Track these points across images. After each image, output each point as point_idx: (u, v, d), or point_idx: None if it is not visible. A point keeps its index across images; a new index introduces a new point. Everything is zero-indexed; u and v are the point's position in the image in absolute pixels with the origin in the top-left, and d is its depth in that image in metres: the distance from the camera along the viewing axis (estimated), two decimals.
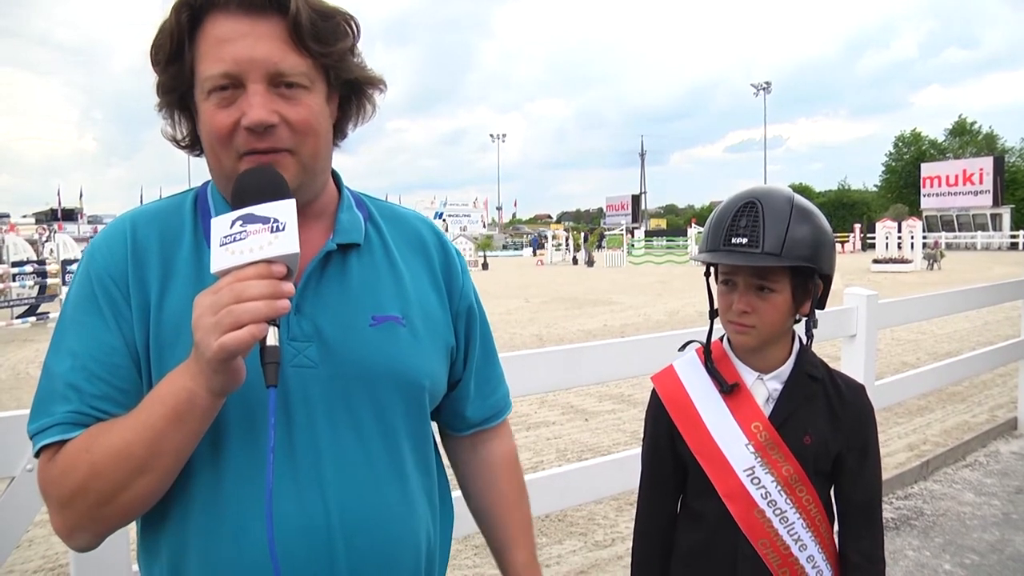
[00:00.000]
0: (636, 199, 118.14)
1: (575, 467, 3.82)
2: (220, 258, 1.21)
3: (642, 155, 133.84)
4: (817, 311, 2.02)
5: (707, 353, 2.08)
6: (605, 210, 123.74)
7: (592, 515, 5.77)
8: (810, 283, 1.94)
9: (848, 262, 44.22)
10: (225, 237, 1.21)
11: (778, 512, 1.95)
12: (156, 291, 1.36)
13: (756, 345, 1.97)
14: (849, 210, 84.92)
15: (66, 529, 1.29)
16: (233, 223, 1.22)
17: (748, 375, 2.02)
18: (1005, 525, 5.48)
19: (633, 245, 54.79)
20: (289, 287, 1.20)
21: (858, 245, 63.51)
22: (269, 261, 1.20)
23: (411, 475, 1.47)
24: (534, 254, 58.88)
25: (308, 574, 1.33)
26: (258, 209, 1.23)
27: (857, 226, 65.76)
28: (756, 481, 1.95)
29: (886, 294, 5.82)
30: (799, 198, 1.94)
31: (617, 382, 9.94)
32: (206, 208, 1.44)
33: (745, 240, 1.86)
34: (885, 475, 6.32)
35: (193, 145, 1.45)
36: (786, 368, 2.01)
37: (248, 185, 1.29)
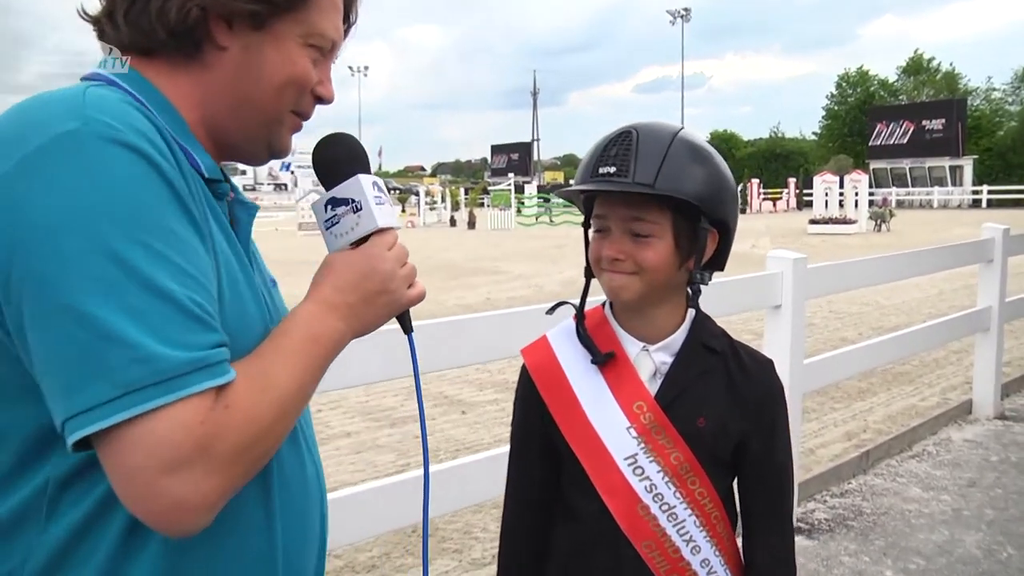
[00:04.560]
0: (527, 148, 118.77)
1: (445, 467, 3.81)
2: (331, 241, 1.55)
3: (534, 95, 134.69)
4: (718, 273, 2.06)
5: (580, 318, 2.09)
6: (490, 161, 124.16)
7: (469, 527, 5.81)
8: (698, 229, 1.95)
9: (780, 223, 45.44)
10: (327, 221, 1.55)
11: (665, 508, 1.97)
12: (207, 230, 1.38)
13: (636, 299, 1.97)
14: (783, 162, 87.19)
15: (220, 492, 1.25)
16: (326, 207, 1.55)
17: (632, 346, 2.03)
18: (955, 523, 5.74)
19: (523, 203, 55.06)
20: None
21: (793, 203, 65.40)
22: (363, 239, 1.52)
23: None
24: (403, 212, 58.66)
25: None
26: (336, 192, 1.56)
27: (792, 181, 67.76)
28: (639, 472, 1.97)
29: (824, 259, 5.99)
30: (691, 134, 1.97)
31: (501, 367, 10.02)
32: (193, 159, 1.43)
33: (613, 169, 1.89)
34: (819, 469, 6.54)
35: (179, 37, 1.45)
36: (678, 337, 2.03)
37: (338, 155, 1.59)
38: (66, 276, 1.16)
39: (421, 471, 3.69)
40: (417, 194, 63.64)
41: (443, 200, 59.11)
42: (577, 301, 2.12)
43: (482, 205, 62.95)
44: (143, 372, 1.16)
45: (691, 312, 2.06)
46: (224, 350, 1.25)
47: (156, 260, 1.20)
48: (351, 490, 3.58)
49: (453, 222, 53.23)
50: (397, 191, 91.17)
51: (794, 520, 5.55)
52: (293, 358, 1.38)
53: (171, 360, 1.18)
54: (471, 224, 49.07)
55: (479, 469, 3.77)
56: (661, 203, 1.89)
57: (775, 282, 5.41)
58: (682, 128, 1.97)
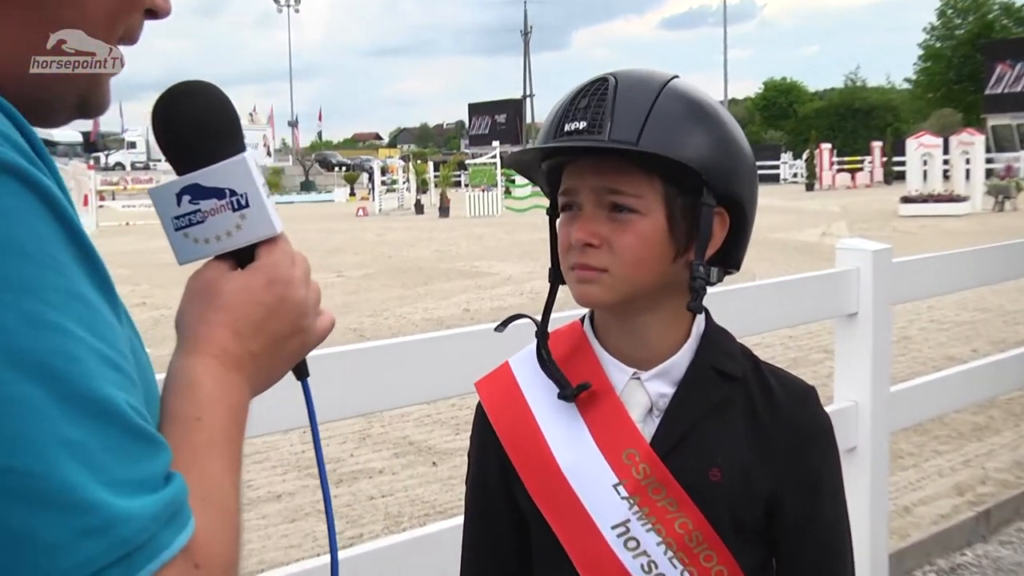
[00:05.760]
0: (517, 107, 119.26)
1: (408, 538, 3.77)
2: (184, 247, 1.40)
3: (526, 35, 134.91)
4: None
5: (541, 336, 2.06)
6: (468, 125, 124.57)
7: None
8: (699, 205, 1.90)
9: (862, 202, 45.55)
10: (177, 219, 1.39)
11: None
12: None
13: (612, 303, 1.93)
14: (863, 120, 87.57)
15: None
16: (180, 199, 1.38)
17: (619, 373, 2.00)
18: None
19: (513, 181, 55.22)
20: None
21: (879, 175, 65.53)
22: (244, 249, 1.38)
23: None
24: (351, 196, 58.88)
25: None
26: (203, 177, 1.38)
27: (877, 145, 67.86)
28: (632, 544, 1.94)
29: (922, 251, 5.93)
30: (687, 84, 1.95)
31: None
32: (27, 128, 1.14)
33: (583, 124, 1.88)
34: (918, 534, 6.52)
35: None
36: (680, 360, 1.99)
37: (200, 117, 1.39)
38: None
39: (379, 543, 3.65)
40: (370, 171, 63.95)
41: (406, 178, 59.30)
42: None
43: (458, 185, 63.18)
44: (99, 548, 0.95)
45: (698, 324, 2.02)
46: (180, 477, 1.08)
47: (79, 351, 0.99)
48: (283, 572, 3.52)
49: (420, 208, 53.54)
50: (344, 167, 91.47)
51: None
52: (224, 456, 1.24)
53: (135, 519, 0.98)
54: (443, 210, 49.31)
55: (455, 539, 3.71)
56: (649, 169, 1.85)
57: (848, 282, 5.31)
58: (675, 76, 1.94)
